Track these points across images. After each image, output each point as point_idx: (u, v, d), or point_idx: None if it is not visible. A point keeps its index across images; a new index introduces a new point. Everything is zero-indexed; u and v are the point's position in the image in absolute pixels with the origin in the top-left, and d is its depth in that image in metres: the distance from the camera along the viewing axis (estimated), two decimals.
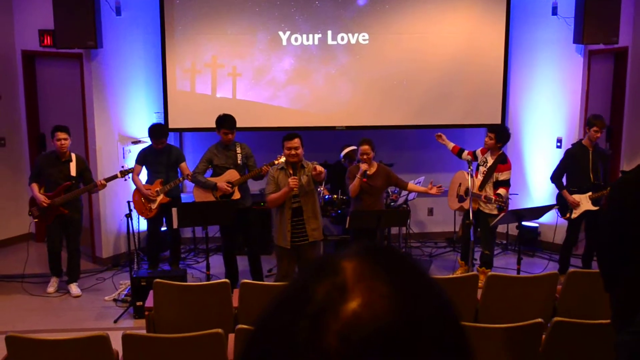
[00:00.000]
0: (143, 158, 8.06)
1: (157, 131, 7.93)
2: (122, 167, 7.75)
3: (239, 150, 7.73)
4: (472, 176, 7.54)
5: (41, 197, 7.50)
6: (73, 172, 7.57)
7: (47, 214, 7.58)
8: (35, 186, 7.62)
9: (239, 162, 7.70)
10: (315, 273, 0.85)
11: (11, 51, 9.31)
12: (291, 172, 6.78)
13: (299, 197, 6.73)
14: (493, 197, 7.56)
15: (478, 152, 7.96)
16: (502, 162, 7.78)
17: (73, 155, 7.62)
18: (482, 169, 7.80)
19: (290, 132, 6.91)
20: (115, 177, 7.67)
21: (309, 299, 0.80)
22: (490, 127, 7.88)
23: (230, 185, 7.60)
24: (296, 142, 6.70)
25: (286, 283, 0.88)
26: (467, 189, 7.69)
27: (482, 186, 7.70)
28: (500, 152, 7.82)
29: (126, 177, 7.71)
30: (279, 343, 0.80)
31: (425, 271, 0.88)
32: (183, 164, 8.08)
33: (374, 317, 0.78)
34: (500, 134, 7.76)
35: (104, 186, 7.58)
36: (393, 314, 0.79)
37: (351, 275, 0.82)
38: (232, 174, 7.66)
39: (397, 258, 0.88)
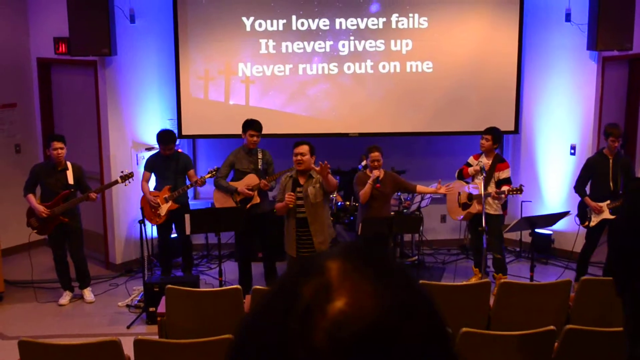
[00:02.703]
0: (151, 165, 8.07)
1: (166, 137, 7.94)
2: (122, 172, 7.74)
3: (260, 155, 7.78)
4: (483, 176, 7.60)
5: (40, 208, 7.48)
6: (70, 181, 7.56)
7: (46, 224, 7.58)
8: (32, 197, 7.61)
9: (259, 166, 7.73)
10: (301, 273, 0.87)
11: (26, 59, 9.39)
12: (301, 182, 6.78)
13: (305, 207, 6.72)
14: (506, 188, 7.57)
15: (471, 159, 8.05)
16: (500, 161, 7.89)
17: (69, 164, 7.61)
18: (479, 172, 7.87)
19: (301, 140, 6.98)
20: (115, 182, 7.68)
21: (296, 298, 0.82)
22: (485, 130, 7.93)
23: (251, 190, 7.63)
24: (303, 148, 6.72)
25: (272, 285, 0.90)
26: (470, 194, 7.75)
27: (484, 187, 7.73)
28: (495, 153, 7.90)
29: (127, 182, 7.69)
30: (268, 342, 0.82)
31: (406, 270, 0.91)
32: (191, 172, 8.09)
33: (361, 314, 0.80)
34: (496, 135, 7.88)
35: (95, 198, 7.57)
36: (379, 312, 0.81)
37: (336, 275, 0.84)
38: (252, 178, 7.69)
39: (380, 258, 0.90)
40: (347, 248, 0.91)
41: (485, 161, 7.85)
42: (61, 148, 7.47)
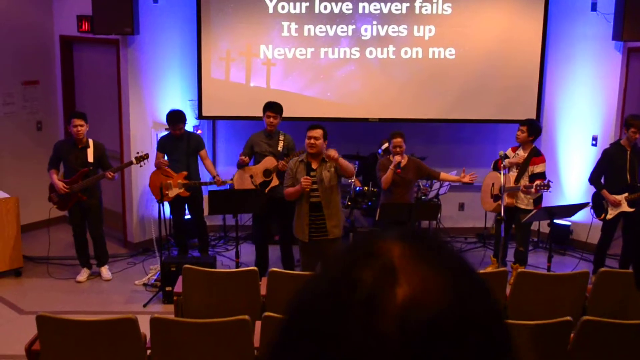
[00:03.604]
0: (163, 145, 8.08)
1: (174, 117, 7.93)
2: (137, 153, 7.76)
3: (281, 138, 7.77)
4: (504, 172, 7.46)
5: (60, 184, 7.55)
6: (90, 159, 7.59)
7: (65, 200, 7.64)
8: (54, 173, 7.67)
9: (279, 149, 7.72)
10: (357, 256, 0.83)
11: (50, 36, 9.43)
12: (314, 166, 6.72)
13: (319, 191, 6.69)
14: (538, 183, 7.44)
15: (509, 151, 7.88)
16: (536, 154, 7.72)
17: (90, 142, 7.64)
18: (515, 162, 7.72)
19: (316, 123, 6.92)
20: (130, 163, 7.71)
21: (356, 283, 0.78)
22: (522, 121, 7.81)
23: (270, 172, 7.65)
24: (317, 132, 6.65)
25: (322, 267, 0.86)
26: (502, 186, 7.63)
27: (517, 180, 7.64)
28: (533, 146, 7.75)
29: (142, 163, 7.70)
30: (328, 329, 0.78)
31: (465, 257, 0.88)
32: (203, 152, 8.09)
33: (432, 300, 0.77)
34: (532, 127, 7.72)
35: (113, 178, 7.60)
36: (450, 297, 0.78)
37: (398, 258, 0.80)
38: (270, 161, 7.69)
39: (437, 242, 0.87)
40: (403, 231, 0.87)
41: (522, 154, 7.73)
42: (81, 125, 7.49)
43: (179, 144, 7.98)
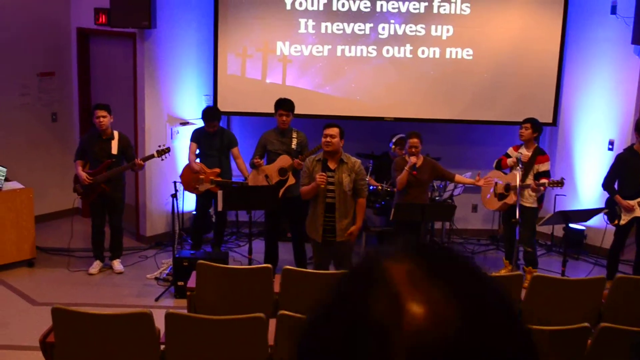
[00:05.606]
0: (197, 137, 8.11)
1: (211, 114, 7.97)
2: (160, 146, 7.77)
3: (294, 135, 7.73)
4: (520, 169, 7.43)
5: (83, 175, 7.58)
6: (114, 150, 7.62)
7: (89, 191, 7.66)
8: (79, 163, 7.70)
9: (293, 146, 7.69)
10: (364, 283, 0.79)
11: (66, 28, 9.43)
12: (332, 166, 6.65)
13: (335, 193, 6.64)
14: (546, 181, 7.44)
15: (510, 151, 7.89)
16: (541, 153, 7.73)
17: (115, 133, 7.66)
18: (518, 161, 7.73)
19: (332, 121, 6.88)
20: (151, 156, 7.71)
21: (366, 314, 0.76)
22: (525, 120, 7.80)
23: (285, 170, 7.63)
24: (333, 130, 6.59)
25: (329, 293, 0.82)
26: (508, 184, 7.62)
27: (523, 179, 7.61)
28: (536, 145, 7.73)
29: (163, 157, 7.72)
30: None
31: (480, 269, 0.82)
32: (235, 149, 8.10)
33: (439, 326, 0.73)
34: (535, 124, 7.72)
35: (141, 166, 7.65)
36: (459, 322, 0.74)
37: (404, 283, 0.76)
38: (285, 159, 7.66)
39: (450, 257, 0.82)
40: (411, 247, 0.82)
41: (525, 152, 7.72)
42: (104, 116, 7.52)
43: (212, 140, 8.01)
